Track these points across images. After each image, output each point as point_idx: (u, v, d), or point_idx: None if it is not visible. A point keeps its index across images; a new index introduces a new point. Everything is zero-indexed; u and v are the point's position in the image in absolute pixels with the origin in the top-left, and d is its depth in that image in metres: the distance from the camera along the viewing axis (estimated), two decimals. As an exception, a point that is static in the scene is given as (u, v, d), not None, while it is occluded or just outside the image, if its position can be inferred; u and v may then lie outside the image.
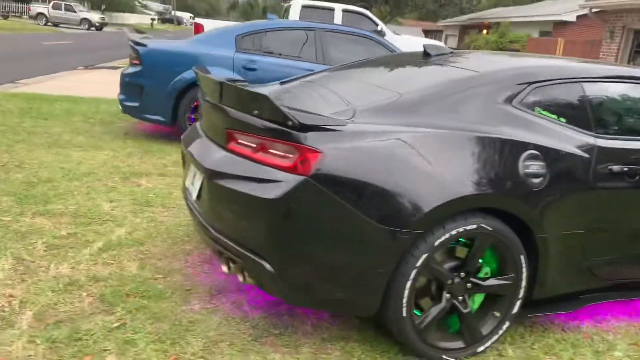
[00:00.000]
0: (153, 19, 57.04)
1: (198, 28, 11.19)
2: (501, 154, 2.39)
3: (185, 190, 3.05)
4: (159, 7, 78.44)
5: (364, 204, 2.20)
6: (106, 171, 4.84)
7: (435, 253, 2.33)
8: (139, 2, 69.86)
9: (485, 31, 30.10)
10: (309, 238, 2.22)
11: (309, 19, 10.84)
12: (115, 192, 4.31)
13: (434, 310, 2.42)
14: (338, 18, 11.78)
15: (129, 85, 6.09)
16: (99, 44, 23.09)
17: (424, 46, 3.13)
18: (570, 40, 18.52)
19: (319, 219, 2.21)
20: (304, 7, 11.84)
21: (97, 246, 3.31)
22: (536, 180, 2.41)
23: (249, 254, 2.32)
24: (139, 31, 7.09)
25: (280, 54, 6.25)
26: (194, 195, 2.74)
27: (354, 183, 2.19)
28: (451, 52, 3.20)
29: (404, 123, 2.33)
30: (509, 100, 2.56)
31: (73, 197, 4.11)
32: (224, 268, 2.55)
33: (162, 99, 5.99)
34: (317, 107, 2.46)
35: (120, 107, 6.30)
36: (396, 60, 3.64)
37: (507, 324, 2.58)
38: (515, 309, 2.57)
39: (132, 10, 62.75)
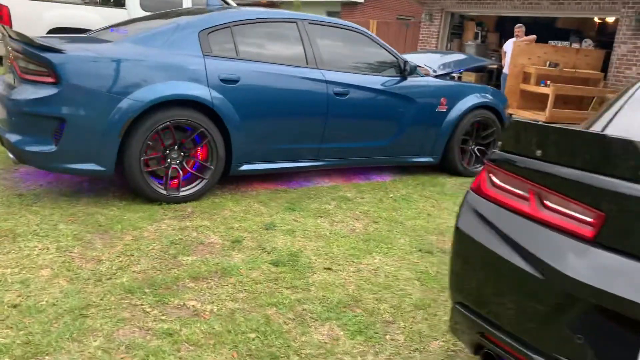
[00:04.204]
0: None
1: (3, 11, 8.04)
2: None
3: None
4: None
5: None
6: (100, 291, 2.63)
7: None
8: None
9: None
10: None
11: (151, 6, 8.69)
12: (179, 340, 2.28)
13: None
14: (187, 1, 9.66)
15: (34, 119, 3.60)
16: None
17: None
18: (384, 22, 18.87)
19: None
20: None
21: None
22: None
23: None
24: None
25: (264, 57, 4.39)
26: None
27: None
28: None
29: None
30: None
31: (134, 382, 2.01)
32: None
33: (99, 137, 3.71)
34: None
35: (13, 156, 3.77)
36: None
37: None
38: None
39: None
